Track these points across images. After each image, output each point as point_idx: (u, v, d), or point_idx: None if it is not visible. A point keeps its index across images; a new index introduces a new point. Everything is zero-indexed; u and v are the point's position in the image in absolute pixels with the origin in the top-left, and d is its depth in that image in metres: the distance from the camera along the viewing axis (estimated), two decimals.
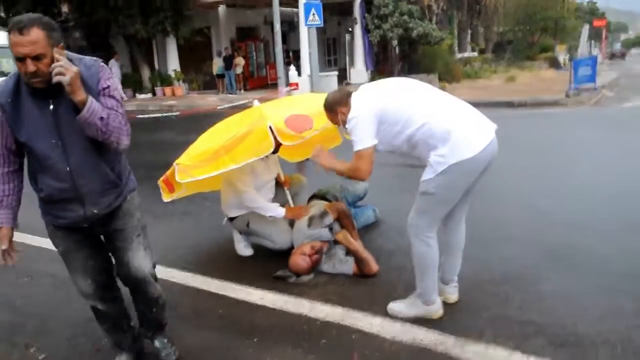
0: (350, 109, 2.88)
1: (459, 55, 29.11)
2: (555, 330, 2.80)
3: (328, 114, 3.14)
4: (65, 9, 21.38)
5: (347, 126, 2.87)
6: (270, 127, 3.39)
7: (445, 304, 3.08)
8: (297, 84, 14.83)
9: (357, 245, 3.65)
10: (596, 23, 37.47)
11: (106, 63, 2.41)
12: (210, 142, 3.71)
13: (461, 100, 2.94)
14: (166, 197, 3.97)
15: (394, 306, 3.09)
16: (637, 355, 2.55)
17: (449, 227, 3.08)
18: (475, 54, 32.79)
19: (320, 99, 4.05)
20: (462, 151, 2.66)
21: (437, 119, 2.73)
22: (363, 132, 2.78)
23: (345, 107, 2.94)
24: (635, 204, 4.87)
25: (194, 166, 3.53)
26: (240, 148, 3.45)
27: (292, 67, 15.42)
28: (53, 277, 3.98)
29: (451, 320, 2.98)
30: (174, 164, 3.63)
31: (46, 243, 4.67)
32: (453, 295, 3.18)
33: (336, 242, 3.75)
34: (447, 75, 21.37)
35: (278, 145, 3.87)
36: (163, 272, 3.91)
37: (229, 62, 20.55)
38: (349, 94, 3.00)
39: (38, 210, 2.43)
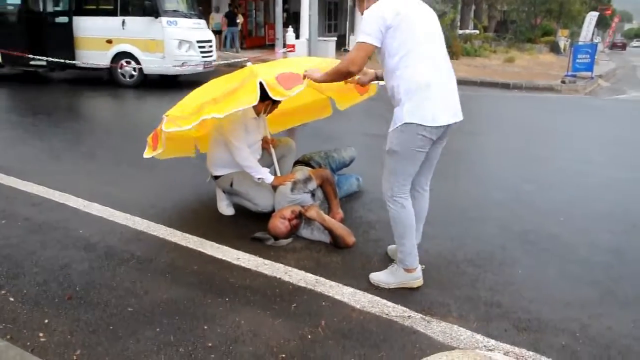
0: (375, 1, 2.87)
1: (460, 32, 28.82)
2: (520, 314, 2.87)
3: (358, 1, 3.09)
4: None
5: (363, 14, 2.87)
6: (260, 82, 3.37)
7: None
8: (294, 46, 14.60)
9: (331, 222, 3.65)
10: (603, 10, 37.16)
11: None
12: (200, 98, 3.68)
13: (453, 74, 2.96)
14: (147, 153, 3.90)
15: (376, 275, 3.16)
16: (594, 344, 2.62)
17: (412, 194, 3.13)
18: (477, 31, 32.48)
19: (313, 61, 4.06)
20: (418, 115, 2.76)
21: (421, 70, 2.78)
22: (371, 29, 2.78)
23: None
24: (610, 196, 4.96)
25: (182, 117, 3.51)
26: (227, 100, 3.43)
27: (290, 29, 15.14)
28: (28, 221, 3.98)
29: (421, 296, 3.03)
30: (164, 115, 3.59)
31: (22, 185, 4.71)
32: None
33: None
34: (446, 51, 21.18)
35: (269, 106, 3.91)
36: (143, 225, 3.95)
37: (232, 19, 20.11)
38: None
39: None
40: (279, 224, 3.63)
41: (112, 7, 11.59)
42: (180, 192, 4.75)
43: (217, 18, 20.46)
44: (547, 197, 4.86)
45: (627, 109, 11.92)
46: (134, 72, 11.51)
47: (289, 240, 3.69)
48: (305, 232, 3.75)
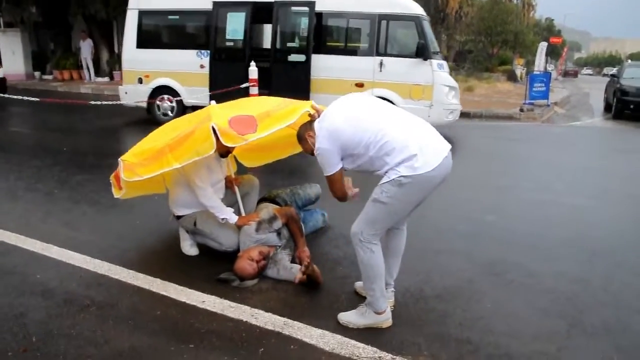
0: (315, 133, 3.00)
1: None
2: (490, 350, 2.85)
3: (301, 143, 3.22)
4: None
5: (315, 154, 3.00)
6: (212, 127, 3.35)
7: None
8: (256, 81, 14.54)
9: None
10: (553, 40, 38.68)
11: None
12: (156, 141, 3.65)
13: (418, 118, 3.02)
14: (116, 193, 3.96)
15: (345, 316, 3.11)
16: None
17: (391, 231, 3.16)
18: None
19: (274, 101, 4.06)
20: (417, 167, 2.76)
21: (394, 137, 2.81)
22: (328, 161, 2.94)
23: (312, 130, 3.05)
24: (571, 224, 5.05)
25: (139, 164, 3.47)
26: (183, 147, 3.42)
27: (253, 63, 15.12)
28: None
29: (391, 335, 2.99)
30: (119, 159, 3.54)
31: None
32: (390, 300, 3.23)
33: (282, 247, 3.74)
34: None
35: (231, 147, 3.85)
36: (103, 267, 3.82)
37: None
38: (311, 122, 3.14)
39: None
40: (246, 265, 3.55)
41: (366, 45, 9.87)
42: (142, 232, 4.62)
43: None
44: (511, 227, 4.92)
45: (582, 135, 12.29)
46: None
47: (255, 281, 3.61)
48: (271, 272, 3.68)
